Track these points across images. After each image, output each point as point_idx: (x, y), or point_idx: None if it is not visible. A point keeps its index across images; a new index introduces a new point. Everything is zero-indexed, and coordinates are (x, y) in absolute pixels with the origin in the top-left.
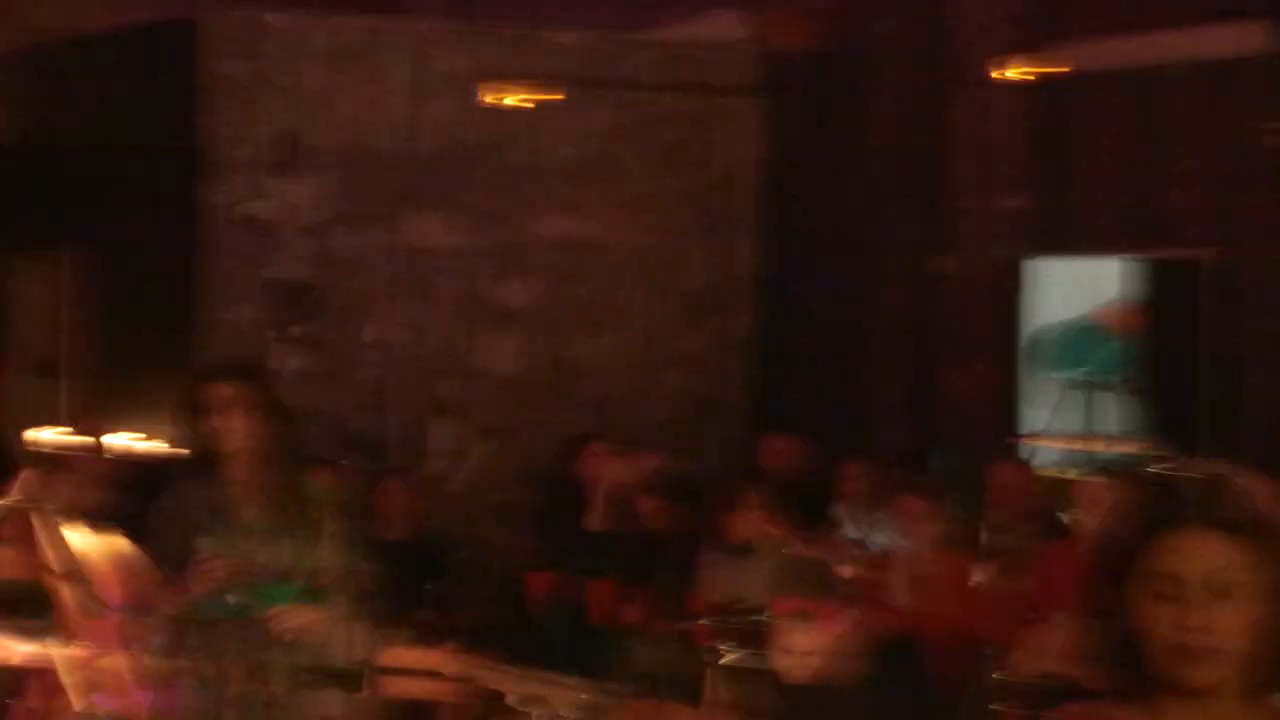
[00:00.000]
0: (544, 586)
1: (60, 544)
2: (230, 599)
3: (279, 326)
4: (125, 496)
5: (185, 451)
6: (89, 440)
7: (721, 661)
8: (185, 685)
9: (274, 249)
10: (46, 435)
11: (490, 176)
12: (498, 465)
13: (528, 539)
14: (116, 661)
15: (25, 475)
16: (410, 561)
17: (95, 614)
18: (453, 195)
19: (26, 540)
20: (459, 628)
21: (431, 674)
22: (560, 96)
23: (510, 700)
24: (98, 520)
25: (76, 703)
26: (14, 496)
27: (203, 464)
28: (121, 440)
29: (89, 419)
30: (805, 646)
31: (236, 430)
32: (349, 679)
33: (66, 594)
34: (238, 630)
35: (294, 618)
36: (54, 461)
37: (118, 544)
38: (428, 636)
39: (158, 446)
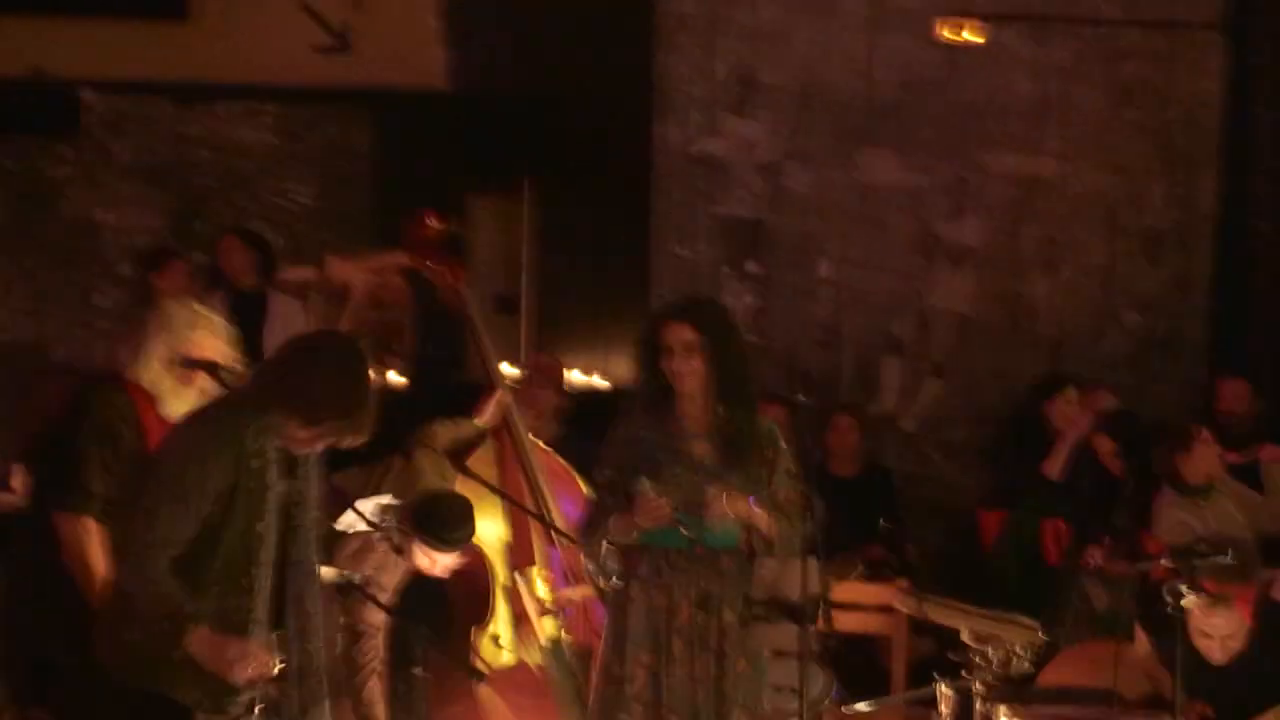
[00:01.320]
0: (997, 525)
1: (530, 469)
2: (683, 532)
3: (733, 263)
4: (577, 430)
5: (635, 386)
6: (544, 373)
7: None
8: (636, 613)
9: (728, 186)
10: (506, 369)
11: (945, 113)
12: (949, 403)
13: (980, 477)
14: (574, 590)
15: (500, 398)
16: (861, 497)
17: (554, 542)
18: (907, 132)
19: (499, 460)
20: (910, 564)
21: (883, 609)
22: (1016, 32)
23: (963, 638)
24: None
25: (539, 630)
26: (489, 418)
27: (656, 400)
28: (576, 375)
29: (546, 354)
30: (1225, 630)
31: (694, 373)
32: (801, 612)
33: (529, 521)
34: (687, 561)
35: (733, 504)
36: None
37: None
38: (879, 572)
39: (606, 383)
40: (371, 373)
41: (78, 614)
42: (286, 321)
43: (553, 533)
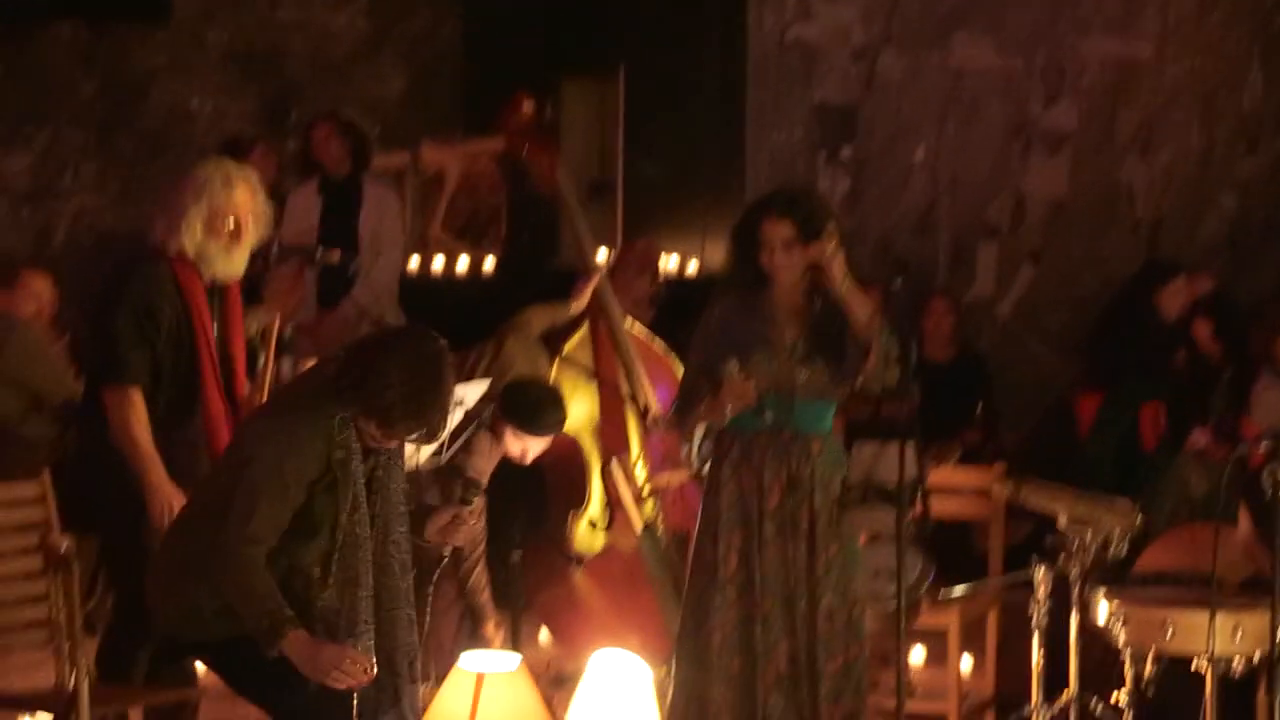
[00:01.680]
0: (1093, 409)
1: (626, 354)
2: (768, 416)
3: (827, 149)
4: (671, 316)
5: (728, 274)
6: (638, 258)
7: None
8: (728, 496)
9: (822, 72)
10: (601, 255)
11: None
12: (1045, 288)
13: (1076, 362)
14: (670, 475)
15: (595, 282)
16: (957, 383)
17: (649, 427)
18: (1001, 16)
19: (593, 345)
20: (1006, 449)
21: (979, 494)
22: None
23: (1060, 523)
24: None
25: (635, 515)
26: (584, 303)
27: (749, 288)
28: (671, 261)
29: (641, 239)
30: None
31: (792, 266)
32: (898, 496)
33: (625, 405)
34: (777, 444)
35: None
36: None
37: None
38: (975, 457)
39: (698, 268)
40: (449, 373)
41: (129, 494)
42: (381, 209)
43: (648, 417)
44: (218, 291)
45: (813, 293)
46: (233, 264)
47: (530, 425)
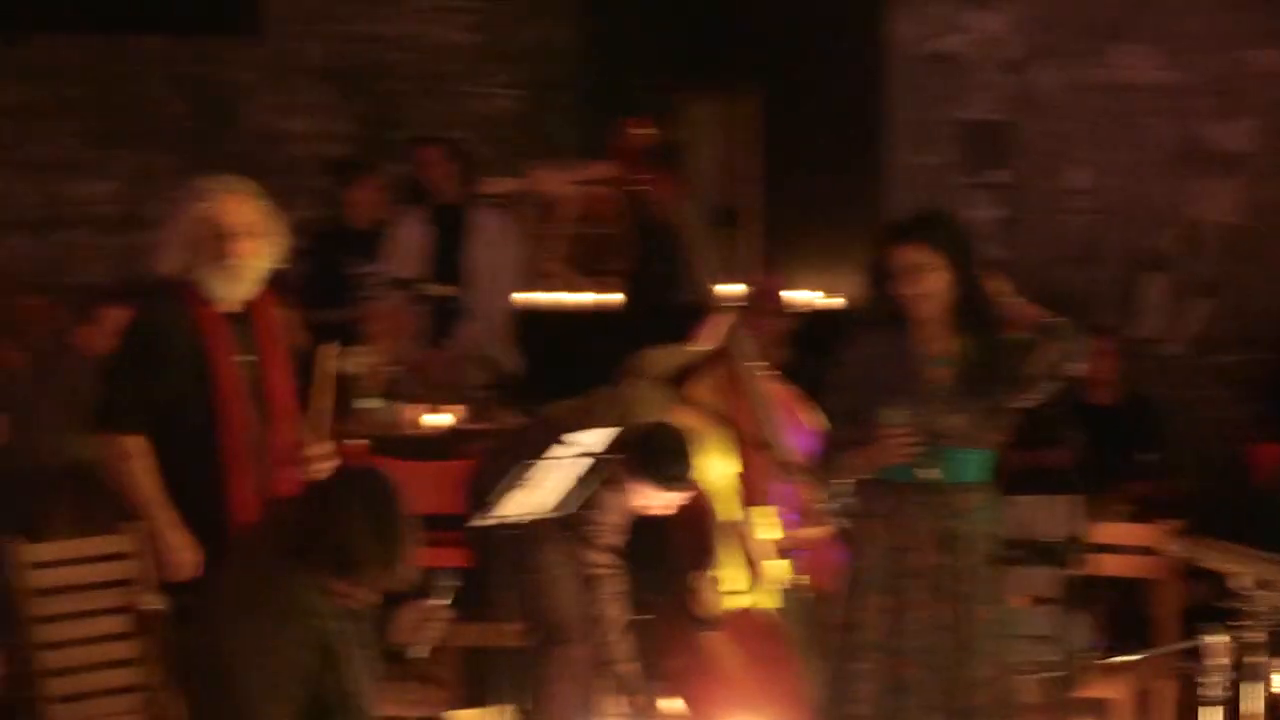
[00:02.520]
0: (1275, 458)
1: (755, 396)
2: (919, 473)
3: (972, 172)
4: (802, 353)
5: (866, 308)
6: (769, 293)
7: None
8: (873, 553)
9: (967, 87)
10: (726, 288)
11: (1206, 4)
12: (1219, 323)
13: (1255, 407)
14: (809, 530)
15: (721, 320)
16: (1121, 429)
17: (785, 476)
18: (1167, 24)
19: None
20: (1176, 502)
21: (1145, 551)
22: None
23: (1234, 584)
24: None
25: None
26: (711, 343)
27: (887, 324)
28: (801, 294)
29: (769, 271)
30: None
31: (928, 297)
32: (1055, 554)
33: (757, 454)
34: (930, 497)
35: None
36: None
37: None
38: (1141, 511)
39: (836, 302)
40: (405, 513)
41: None
42: (490, 236)
43: (784, 466)
44: (246, 316)
45: (963, 328)
46: (234, 285)
47: (659, 476)
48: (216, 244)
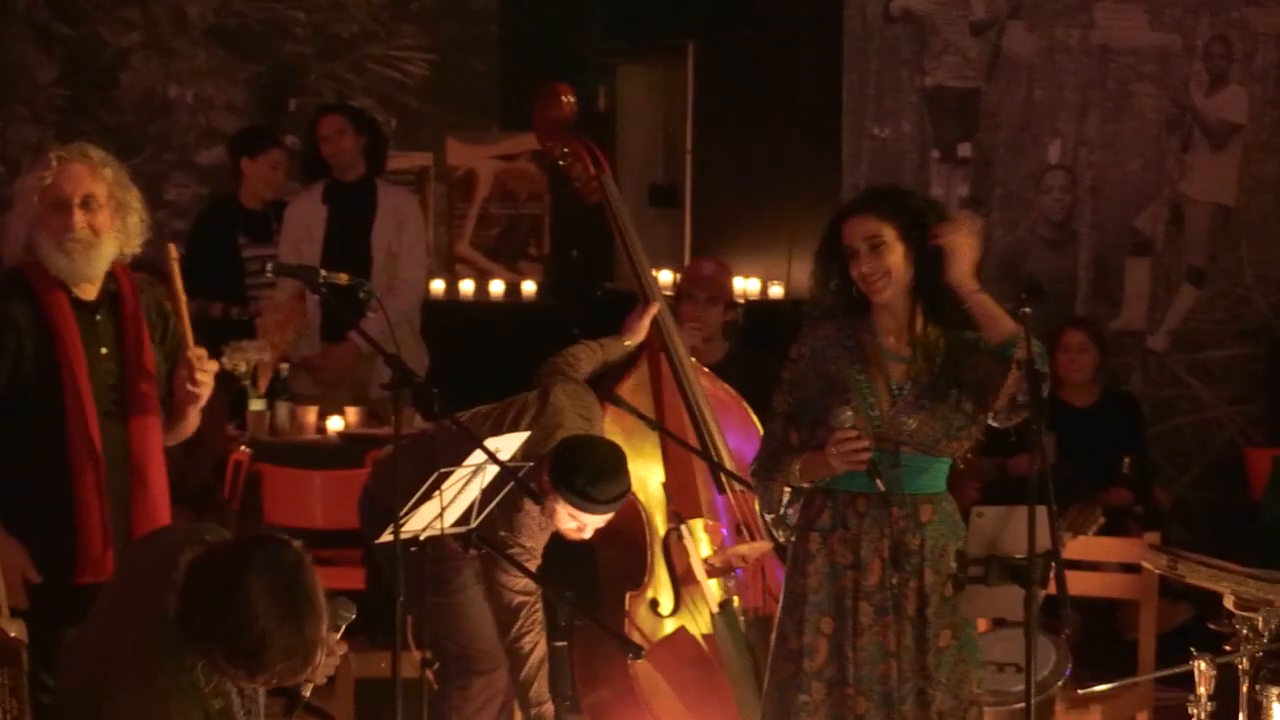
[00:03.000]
0: (1267, 465)
1: (693, 397)
2: (877, 483)
3: (942, 146)
4: (749, 349)
5: (815, 296)
6: (710, 283)
7: None
8: (817, 572)
9: (935, 51)
10: (664, 275)
11: None
12: (1209, 315)
13: (1248, 408)
14: (747, 546)
15: (654, 311)
16: (1100, 431)
17: (723, 487)
18: None
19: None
20: (1161, 513)
21: (1127, 568)
22: None
23: (1227, 602)
24: (720, 371)
25: (706, 593)
26: (641, 336)
27: (840, 314)
28: (738, 283)
29: (710, 258)
30: None
31: (885, 274)
32: (1027, 573)
33: (693, 461)
34: (879, 509)
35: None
36: (674, 307)
37: (739, 403)
38: (1122, 522)
39: (776, 292)
40: (319, 584)
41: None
42: (399, 220)
43: (722, 475)
44: (106, 303)
45: (925, 318)
46: (77, 262)
47: (590, 499)
48: (56, 216)
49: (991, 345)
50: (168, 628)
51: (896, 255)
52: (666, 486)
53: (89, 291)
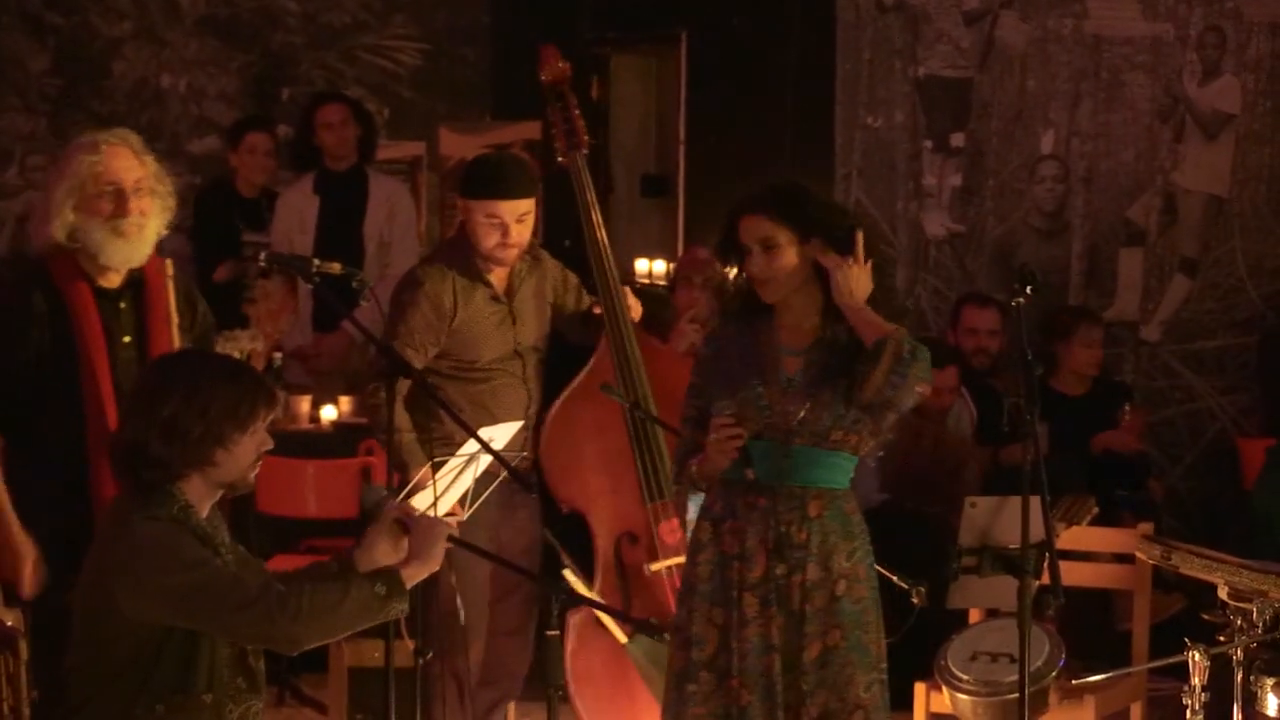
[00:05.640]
0: (1260, 455)
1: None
2: (748, 473)
3: (935, 135)
4: None
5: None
6: (702, 272)
7: None
8: (706, 563)
9: (929, 41)
10: (658, 264)
11: None
12: (1202, 306)
13: (1240, 397)
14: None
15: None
16: (1093, 422)
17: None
18: None
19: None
20: (1155, 503)
21: (1121, 559)
22: None
23: (1221, 593)
24: None
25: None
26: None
27: (746, 313)
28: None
29: (702, 247)
30: None
31: (775, 275)
32: (1020, 563)
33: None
34: (766, 499)
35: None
36: (662, 298)
37: None
38: (1115, 512)
39: None
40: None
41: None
42: (391, 209)
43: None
44: (129, 291)
45: (827, 317)
46: (129, 247)
47: (494, 183)
48: (109, 202)
49: (867, 346)
50: (128, 500)
51: (789, 258)
52: (609, 494)
53: (113, 280)
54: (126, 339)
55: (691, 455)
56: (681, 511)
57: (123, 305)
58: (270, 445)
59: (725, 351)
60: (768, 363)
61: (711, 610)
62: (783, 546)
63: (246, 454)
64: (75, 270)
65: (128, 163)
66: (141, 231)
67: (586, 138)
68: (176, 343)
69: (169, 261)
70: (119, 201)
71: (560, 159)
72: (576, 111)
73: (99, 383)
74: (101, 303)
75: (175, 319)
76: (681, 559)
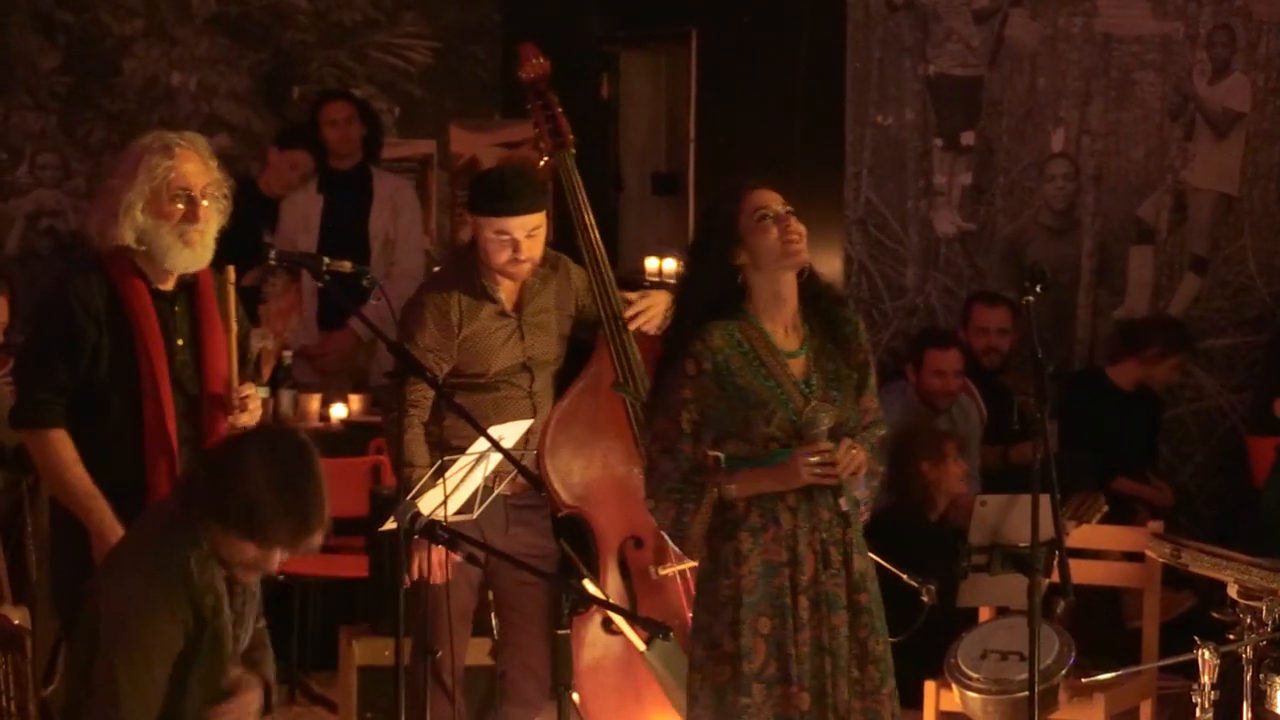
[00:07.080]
0: (1270, 453)
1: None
2: (839, 501)
3: (945, 133)
4: None
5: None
6: None
7: None
8: (750, 573)
9: (939, 39)
10: (669, 263)
11: None
12: (1212, 304)
13: (1249, 396)
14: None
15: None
16: (1138, 420)
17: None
18: None
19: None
20: (1160, 501)
21: (1130, 557)
22: None
23: (1231, 591)
24: None
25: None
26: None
27: (731, 305)
28: None
29: None
30: None
31: (804, 234)
32: (1030, 561)
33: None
34: (807, 504)
35: (856, 456)
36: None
37: None
38: (1123, 511)
39: None
40: (318, 463)
41: (80, 551)
42: (396, 207)
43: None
44: (182, 294)
45: (804, 307)
46: (192, 254)
47: (503, 199)
48: (179, 206)
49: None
50: (167, 515)
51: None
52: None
53: (168, 282)
54: (180, 341)
55: (701, 472)
56: (674, 525)
57: (177, 308)
58: (271, 571)
59: (727, 366)
60: (779, 372)
61: (758, 621)
62: (827, 546)
63: (247, 555)
64: (133, 270)
65: (198, 167)
66: (204, 238)
67: (571, 136)
68: (233, 348)
69: (231, 269)
70: (190, 207)
71: (548, 159)
72: (559, 110)
73: (159, 384)
74: (158, 305)
75: (235, 328)
76: (694, 563)
